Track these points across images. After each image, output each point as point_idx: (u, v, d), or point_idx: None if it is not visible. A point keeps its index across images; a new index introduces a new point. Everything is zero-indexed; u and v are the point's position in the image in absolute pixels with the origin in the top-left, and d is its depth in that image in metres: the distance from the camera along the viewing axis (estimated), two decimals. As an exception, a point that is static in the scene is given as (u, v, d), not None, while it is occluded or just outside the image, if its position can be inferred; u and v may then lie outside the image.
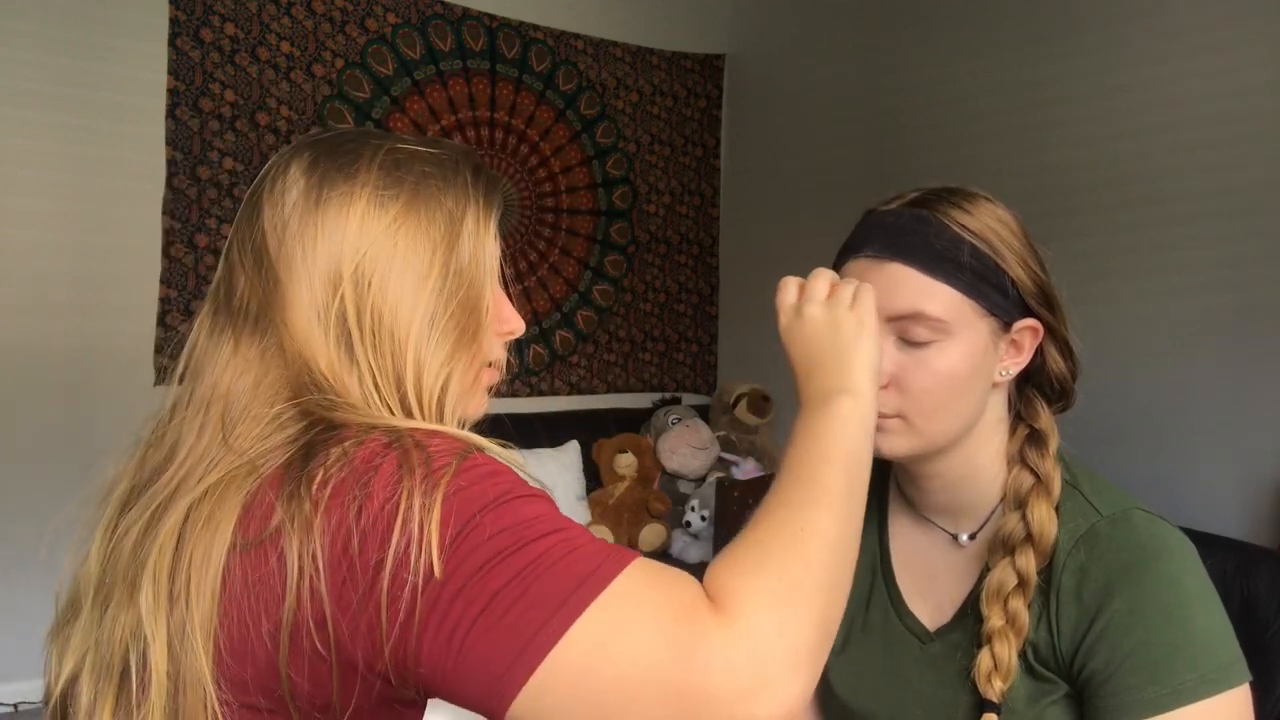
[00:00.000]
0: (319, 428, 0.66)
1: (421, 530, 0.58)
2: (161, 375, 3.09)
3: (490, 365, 0.78)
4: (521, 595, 0.57)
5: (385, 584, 0.58)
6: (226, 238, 0.77)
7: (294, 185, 0.72)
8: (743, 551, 0.63)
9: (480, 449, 0.65)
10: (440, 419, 0.71)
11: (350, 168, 0.71)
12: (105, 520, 0.71)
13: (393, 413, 0.69)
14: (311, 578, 0.59)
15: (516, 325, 0.80)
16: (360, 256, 0.69)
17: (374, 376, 0.69)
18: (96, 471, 0.74)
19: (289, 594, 0.59)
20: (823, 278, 0.81)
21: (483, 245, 0.74)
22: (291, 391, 0.69)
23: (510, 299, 0.80)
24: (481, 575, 0.57)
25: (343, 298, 0.69)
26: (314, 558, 0.59)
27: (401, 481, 0.60)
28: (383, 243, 0.70)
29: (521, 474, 0.65)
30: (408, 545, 0.58)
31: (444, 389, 0.71)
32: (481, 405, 0.78)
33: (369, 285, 0.69)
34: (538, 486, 0.65)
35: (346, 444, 0.64)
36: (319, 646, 0.60)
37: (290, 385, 0.69)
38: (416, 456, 0.61)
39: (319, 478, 0.62)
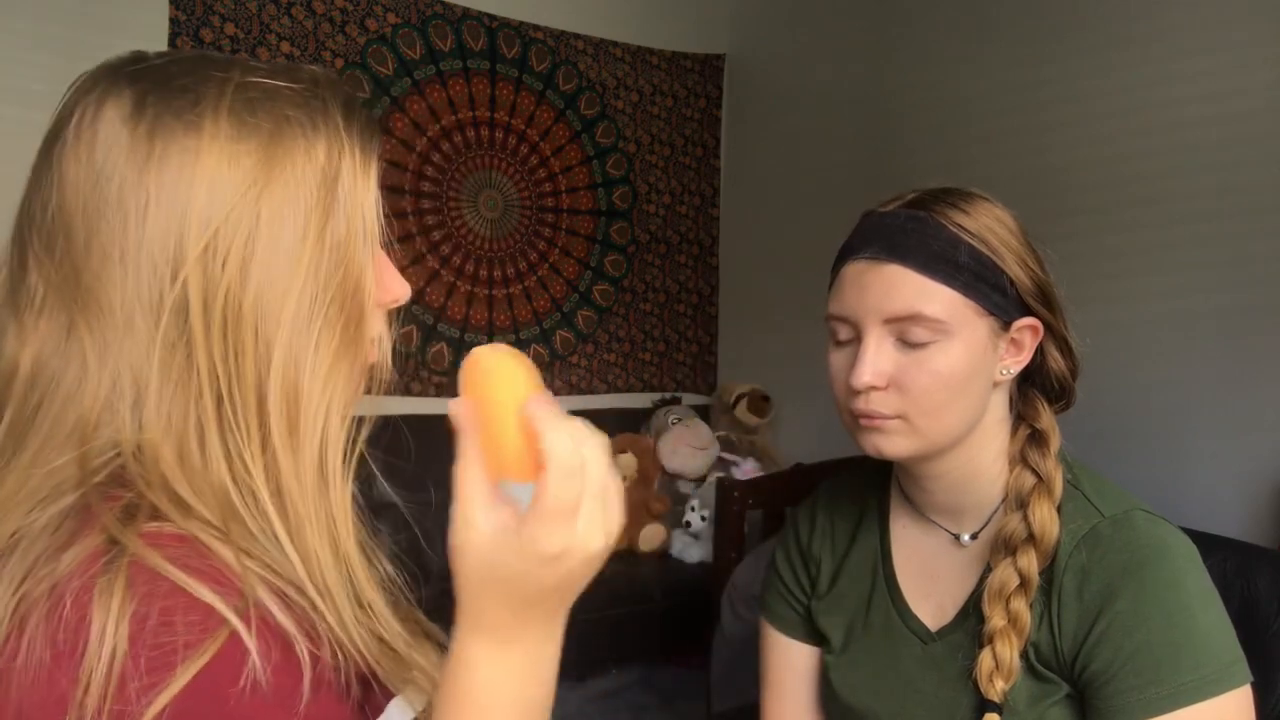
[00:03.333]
0: (70, 501, 0.51)
1: None
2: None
3: (371, 347, 0.63)
4: None
5: None
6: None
7: (111, 137, 0.54)
8: None
9: (238, 629, 0.48)
10: (323, 443, 0.56)
11: (191, 112, 0.54)
12: None
13: (240, 452, 0.53)
14: None
15: (400, 291, 0.64)
16: (210, 232, 0.53)
17: (220, 392, 0.54)
18: None
19: None
20: (601, 464, 0.54)
21: (362, 204, 0.59)
22: (82, 430, 0.53)
23: (392, 258, 0.64)
24: None
25: (185, 284, 0.53)
26: None
27: (90, 676, 0.44)
28: (240, 210, 0.54)
29: (301, 651, 0.50)
30: None
31: (329, 403, 0.57)
32: (360, 388, 0.62)
33: (222, 267, 0.53)
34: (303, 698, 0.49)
35: (70, 554, 0.48)
36: None
37: (84, 422, 0.53)
38: (128, 644, 0.45)
39: (15, 597, 0.47)
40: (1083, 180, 2.81)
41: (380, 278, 0.62)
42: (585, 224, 4.02)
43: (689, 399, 4.18)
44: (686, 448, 3.62)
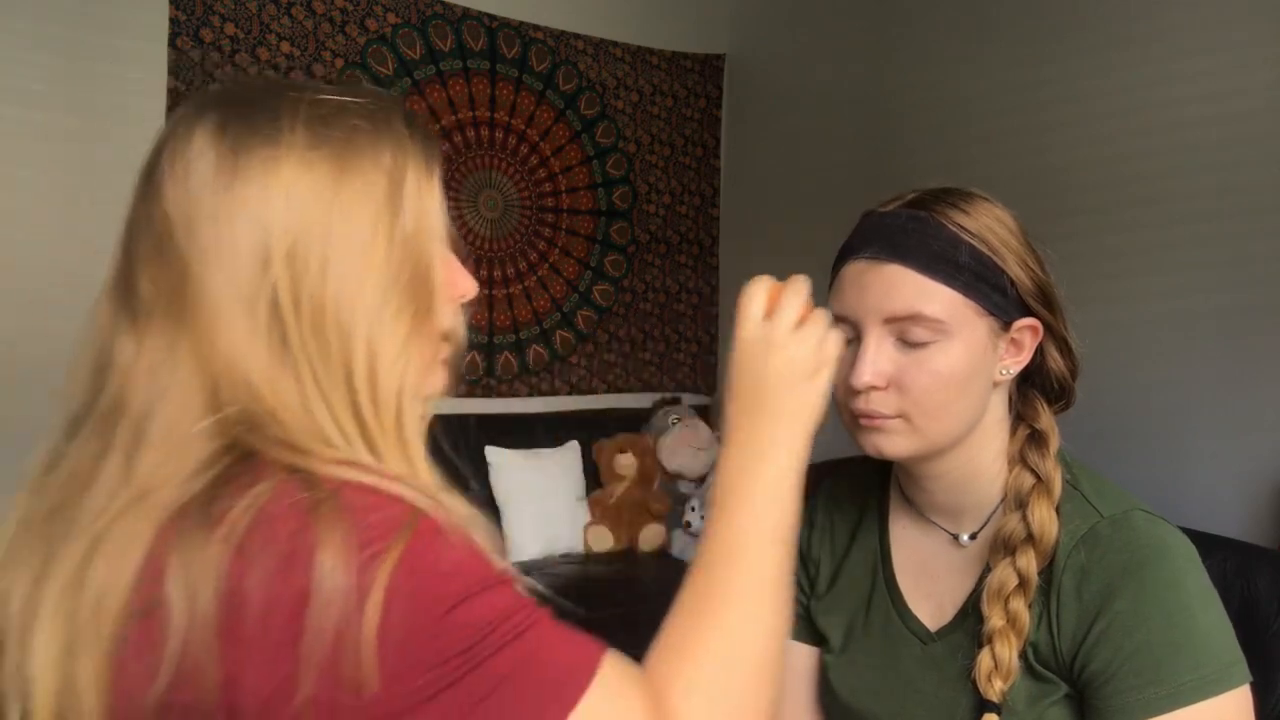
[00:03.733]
0: (230, 457, 0.58)
1: (352, 634, 0.51)
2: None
3: (445, 339, 0.70)
4: None
5: (303, 696, 0.51)
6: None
7: (201, 156, 0.61)
8: (687, 661, 0.62)
9: (425, 511, 0.56)
10: (399, 414, 0.63)
11: (270, 128, 0.61)
12: None
13: (338, 418, 0.60)
14: (198, 657, 0.52)
15: (468, 287, 0.71)
16: (293, 233, 0.60)
17: (314, 372, 0.60)
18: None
19: (165, 671, 0.52)
20: (800, 295, 0.76)
21: (427, 206, 0.65)
22: (209, 405, 0.59)
23: (462, 259, 0.71)
24: (428, 703, 0.52)
25: (275, 284, 0.59)
26: (205, 637, 0.52)
27: (322, 564, 0.52)
28: (316, 214, 0.60)
29: (477, 539, 0.58)
30: (334, 651, 0.51)
31: (402, 380, 0.63)
32: (440, 381, 0.70)
33: (305, 266, 0.60)
34: (497, 561, 0.58)
35: (259, 488, 0.55)
36: None
37: (208, 398, 0.60)
38: (346, 533, 0.53)
39: (219, 533, 0.54)
40: (1083, 180, 2.81)
41: (449, 274, 0.68)
42: (585, 224, 4.02)
43: (689, 399, 4.18)
44: (687, 448, 3.62)
